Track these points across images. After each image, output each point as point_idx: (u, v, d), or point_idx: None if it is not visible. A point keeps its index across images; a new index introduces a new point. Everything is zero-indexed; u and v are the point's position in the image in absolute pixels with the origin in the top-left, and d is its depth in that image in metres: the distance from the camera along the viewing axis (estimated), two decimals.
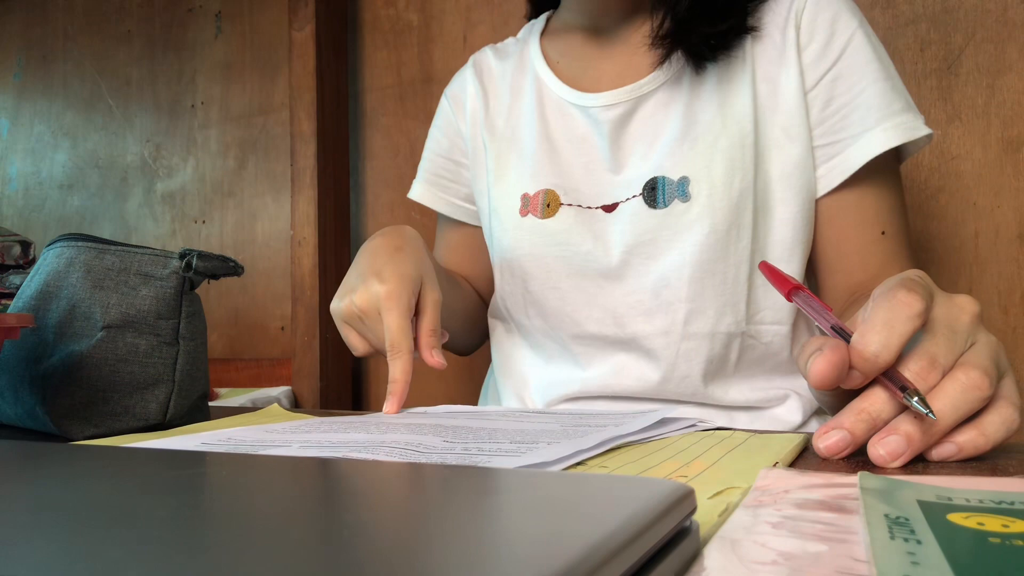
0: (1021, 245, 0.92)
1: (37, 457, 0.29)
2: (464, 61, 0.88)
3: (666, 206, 0.66)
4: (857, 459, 0.37)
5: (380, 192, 1.37)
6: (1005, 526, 0.22)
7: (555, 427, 0.44)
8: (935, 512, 0.23)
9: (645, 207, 0.67)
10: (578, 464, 0.35)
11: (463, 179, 0.85)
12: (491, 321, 0.82)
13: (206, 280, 0.56)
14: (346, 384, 1.34)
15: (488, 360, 0.85)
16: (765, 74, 0.67)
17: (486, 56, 0.84)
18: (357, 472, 0.26)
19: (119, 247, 0.55)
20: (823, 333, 0.41)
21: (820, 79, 0.65)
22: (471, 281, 0.87)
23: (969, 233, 0.94)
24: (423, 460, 0.33)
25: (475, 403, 0.90)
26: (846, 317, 0.53)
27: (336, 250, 1.32)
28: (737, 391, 0.68)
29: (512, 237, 0.73)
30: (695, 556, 0.21)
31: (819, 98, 0.66)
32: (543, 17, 0.83)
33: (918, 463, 0.36)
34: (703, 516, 0.25)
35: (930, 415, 0.33)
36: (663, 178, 0.67)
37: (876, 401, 0.36)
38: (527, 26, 0.85)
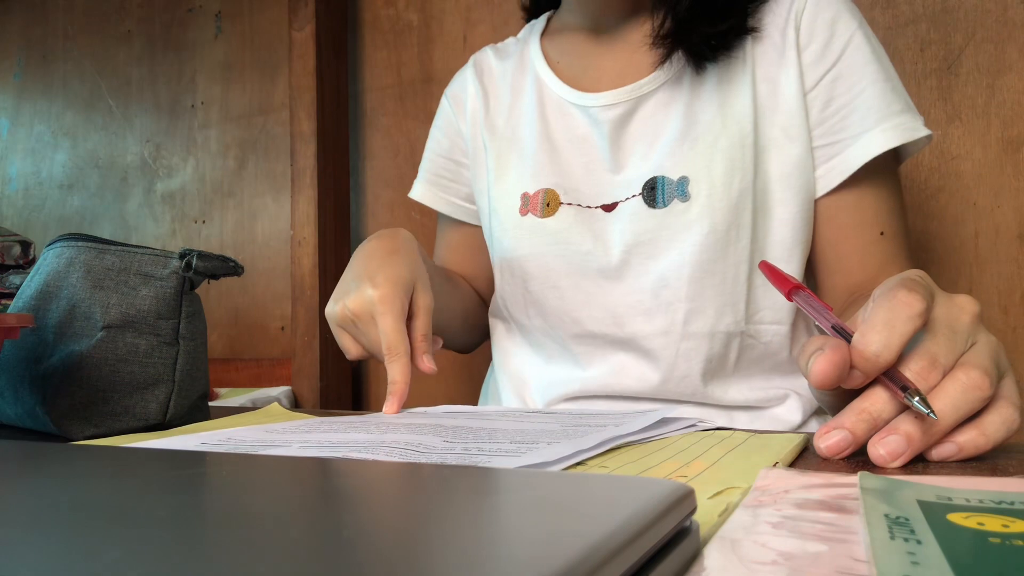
0: (1021, 245, 0.92)
1: (37, 457, 0.29)
2: (464, 61, 0.88)
3: (665, 206, 0.66)
4: (857, 459, 0.37)
5: (380, 192, 1.37)
6: (1005, 526, 0.22)
7: (555, 427, 0.44)
8: (935, 512, 0.23)
9: (645, 207, 0.67)
10: (578, 464, 0.35)
11: (463, 179, 0.85)
12: (491, 321, 0.82)
13: (206, 280, 0.56)
14: (346, 384, 1.34)
15: (488, 360, 0.85)
16: (765, 74, 0.67)
17: (486, 56, 0.84)
18: (357, 472, 0.26)
19: (119, 247, 0.55)
20: (823, 333, 0.41)
21: (820, 80, 0.65)
22: (471, 281, 0.87)
23: (969, 233, 0.94)
24: (423, 460, 0.33)
25: (475, 403, 0.90)
26: (845, 317, 0.53)
27: (336, 250, 1.32)
28: (737, 391, 0.68)
29: (512, 236, 0.73)
30: (695, 556, 0.21)
31: (819, 99, 0.66)
32: (544, 17, 0.84)
33: (918, 463, 0.36)
34: (703, 516, 0.25)
35: (931, 415, 0.33)
36: (663, 178, 0.67)
37: (877, 401, 0.36)
38: (528, 26, 0.85)
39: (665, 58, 0.68)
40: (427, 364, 0.58)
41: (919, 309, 0.35)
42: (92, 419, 0.51)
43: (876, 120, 0.63)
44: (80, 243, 0.55)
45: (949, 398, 0.35)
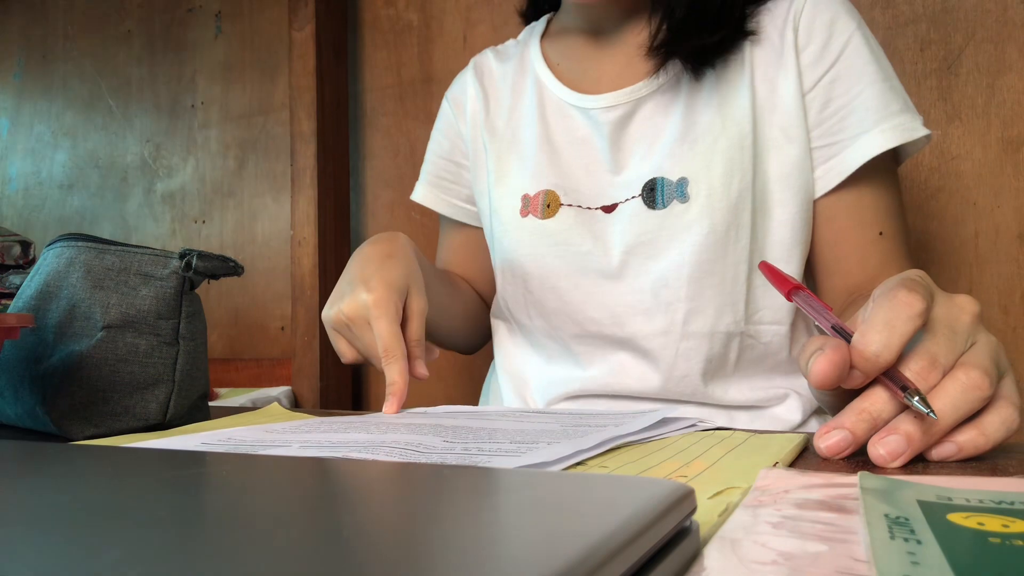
0: (1021, 245, 0.92)
1: (37, 457, 0.29)
2: (464, 61, 0.88)
3: (665, 207, 0.66)
4: (857, 459, 0.37)
5: (380, 192, 1.37)
6: (1005, 526, 0.22)
7: (555, 427, 0.44)
8: (935, 512, 0.23)
9: (644, 208, 0.67)
10: (578, 464, 0.35)
11: (464, 180, 0.85)
12: (494, 321, 0.82)
13: (206, 280, 0.56)
14: (346, 384, 1.34)
15: (488, 360, 0.85)
16: (763, 76, 0.67)
17: (486, 58, 0.84)
18: (357, 472, 0.26)
19: (119, 247, 0.55)
20: (823, 333, 0.41)
21: (818, 81, 0.66)
22: (473, 282, 0.88)
23: (969, 233, 0.94)
24: (423, 460, 0.33)
25: (475, 403, 0.90)
26: (845, 317, 0.53)
27: (336, 250, 1.32)
28: (737, 390, 0.68)
29: (512, 238, 0.73)
30: (695, 556, 0.21)
31: (817, 99, 0.66)
32: (544, 19, 0.84)
33: (918, 463, 0.36)
34: (703, 516, 0.25)
35: (931, 415, 0.33)
36: (662, 179, 0.67)
37: (877, 401, 0.36)
38: (527, 28, 0.85)
39: (660, 67, 0.68)
40: (419, 370, 0.59)
41: (919, 309, 0.35)
42: (92, 419, 0.51)
43: (875, 121, 0.63)
44: (80, 243, 0.55)
45: (949, 398, 0.35)
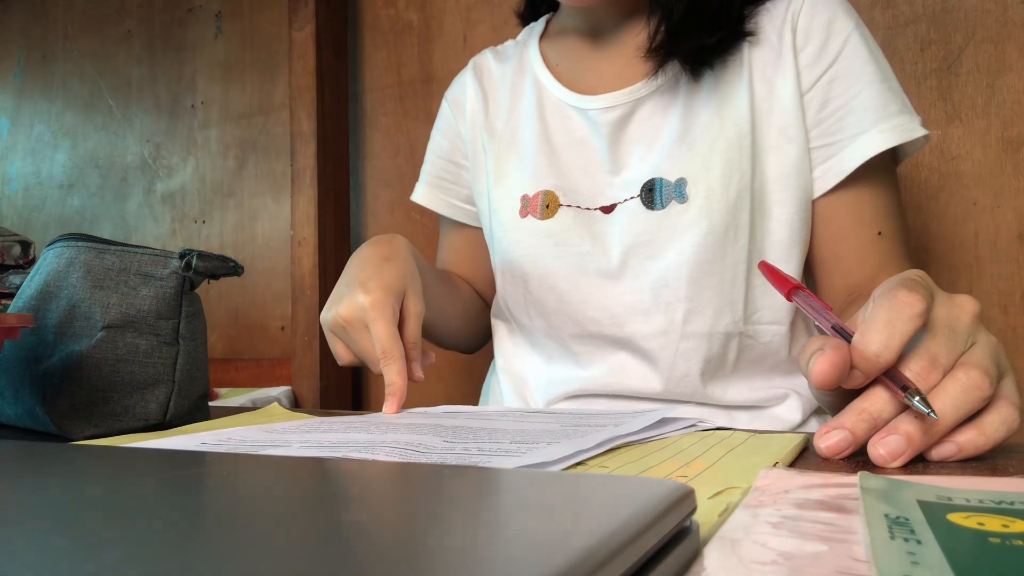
0: (1021, 245, 0.92)
1: (37, 457, 0.29)
2: (464, 61, 0.88)
3: (664, 207, 0.66)
4: (857, 459, 0.37)
5: (380, 192, 1.37)
6: (1005, 526, 0.22)
7: (555, 427, 0.44)
8: (935, 512, 0.23)
9: (643, 208, 0.67)
10: (578, 464, 0.35)
11: (463, 181, 0.85)
12: (494, 321, 0.82)
13: (206, 280, 0.56)
14: (346, 384, 1.34)
15: (488, 360, 0.85)
16: (762, 76, 0.67)
17: (486, 59, 0.84)
18: (357, 472, 0.26)
19: (119, 247, 0.55)
20: (823, 333, 0.41)
21: (816, 81, 0.66)
22: (473, 282, 0.88)
23: (969, 233, 0.94)
24: (423, 460, 0.33)
25: (475, 403, 0.90)
26: (845, 317, 0.53)
27: (336, 250, 1.32)
28: (736, 391, 0.68)
29: (512, 238, 0.73)
30: (695, 556, 0.21)
31: (815, 100, 0.66)
32: (543, 20, 0.84)
33: (918, 463, 0.36)
34: (703, 516, 0.25)
35: (931, 415, 0.33)
36: (660, 179, 0.67)
37: (877, 401, 0.36)
38: (527, 29, 0.85)
39: (658, 68, 0.68)
40: (416, 372, 0.59)
41: (919, 309, 0.35)
42: (92, 419, 0.51)
43: (873, 121, 0.63)
44: (80, 243, 0.55)
45: (949, 398, 0.35)
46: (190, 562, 0.15)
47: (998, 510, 0.24)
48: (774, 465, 0.34)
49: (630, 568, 0.17)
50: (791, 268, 0.67)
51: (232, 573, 0.14)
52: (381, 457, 0.34)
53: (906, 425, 0.35)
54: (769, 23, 0.67)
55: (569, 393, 0.71)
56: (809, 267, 0.70)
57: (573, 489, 0.22)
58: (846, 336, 0.37)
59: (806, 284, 0.71)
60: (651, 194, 0.67)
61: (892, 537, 0.21)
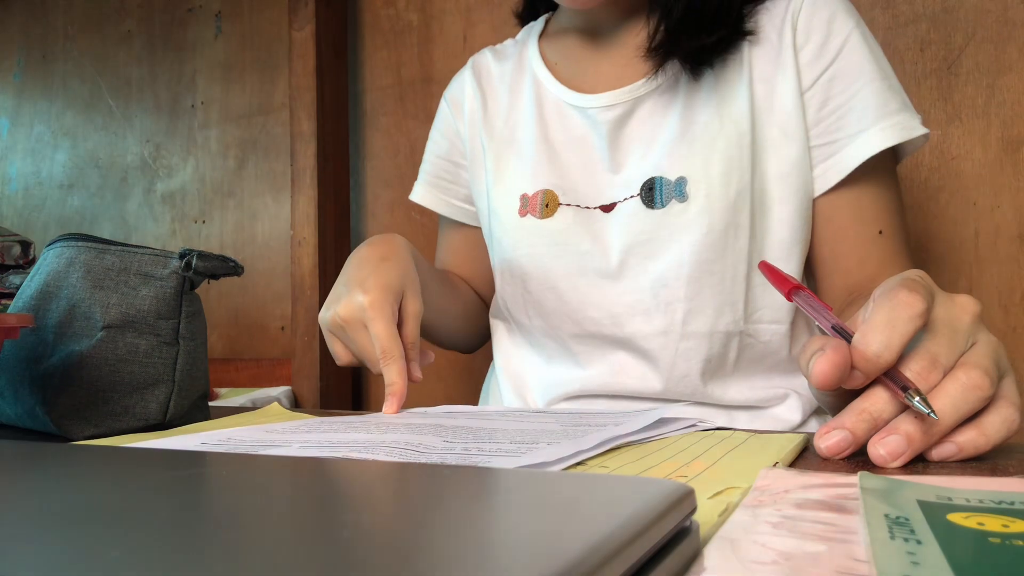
0: (1021, 245, 0.92)
1: (37, 457, 0.29)
2: (464, 61, 0.88)
3: (663, 206, 0.66)
4: (857, 459, 0.37)
5: (380, 192, 1.37)
6: (1005, 526, 0.22)
7: (555, 427, 0.44)
8: (935, 512, 0.23)
9: (643, 207, 0.67)
10: (578, 464, 0.35)
11: (462, 180, 0.85)
12: (493, 321, 0.82)
13: (206, 280, 0.56)
14: (346, 384, 1.34)
15: (488, 360, 0.85)
16: (762, 75, 0.67)
17: (485, 58, 0.84)
18: (357, 472, 0.26)
19: (119, 247, 0.55)
20: (823, 332, 0.41)
21: (817, 79, 0.66)
22: (472, 282, 0.88)
23: (969, 233, 0.94)
24: (423, 460, 0.33)
25: (475, 403, 0.90)
26: (845, 317, 0.53)
27: (336, 250, 1.32)
28: (736, 390, 0.68)
29: (511, 237, 0.73)
30: (695, 556, 0.21)
31: (816, 98, 0.66)
32: (542, 19, 0.84)
33: (918, 463, 0.36)
34: (703, 516, 0.25)
35: (931, 415, 0.33)
36: (660, 178, 0.67)
37: (877, 401, 0.36)
38: (526, 28, 0.85)
39: (658, 68, 0.68)
40: (415, 372, 0.59)
41: (920, 309, 0.35)
42: (92, 419, 0.51)
43: (873, 119, 0.63)
44: (80, 243, 0.55)
45: (949, 398, 0.35)
46: (190, 562, 0.15)
47: (998, 510, 0.24)
48: (774, 465, 0.34)
49: (630, 568, 0.17)
50: (791, 267, 0.66)
51: (232, 573, 0.14)
52: (381, 457, 0.34)
53: (906, 425, 0.35)
54: (769, 22, 0.67)
55: (569, 394, 0.71)
56: (809, 266, 0.70)
57: (573, 489, 0.22)
58: (846, 336, 0.37)
59: (806, 283, 0.71)
60: (651, 193, 0.67)
61: (892, 537, 0.21)
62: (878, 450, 0.35)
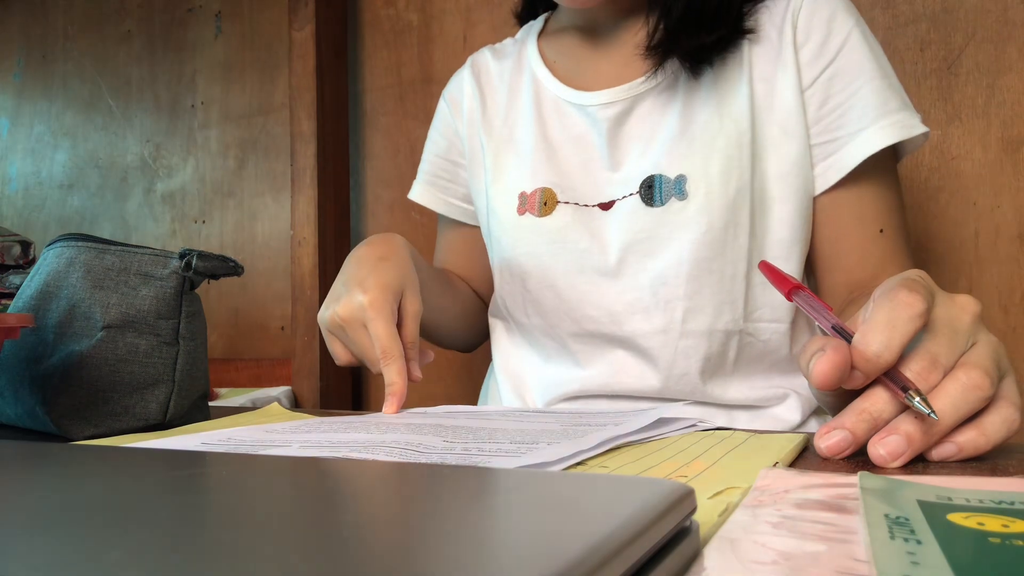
0: (1021, 245, 0.92)
1: (37, 457, 0.29)
2: (464, 61, 0.88)
3: (663, 204, 0.66)
4: (857, 459, 0.37)
5: (380, 192, 1.37)
6: (1005, 526, 0.22)
7: (555, 427, 0.44)
8: (935, 512, 0.23)
9: (642, 205, 0.67)
10: (578, 464, 0.35)
11: (461, 179, 0.85)
12: (491, 320, 0.82)
13: (206, 280, 0.56)
14: (346, 384, 1.34)
15: (488, 360, 0.85)
16: (762, 73, 0.67)
17: (484, 57, 0.84)
18: (357, 472, 0.26)
19: (119, 247, 0.55)
20: (823, 332, 0.41)
21: (817, 77, 0.66)
22: (471, 281, 0.87)
23: (969, 233, 0.94)
24: (423, 460, 0.33)
25: (475, 403, 0.90)
26: (845, 317, 0.53)
27: (336, 250, 1.32)
28: (736, 390, 0.68)
29: (510, 236, 0.73)
30: (695, 556, 0.21)
31: (816, 96, 0.66)
32: (541, 18, 0.84)
33: (918, 463, 0.36)
34: (703, 516, 0.25)
35: (931, 415, 0.33)
36: (660, 176, 0.67)
37: (877, 401, 0.36)
38: (525, 27, 0.85)
39: (657, 66, 0.68)
40: (414, 372, 0.59)
41: (920, 309, 0.35)
42: (92, 419, 0.51)
43: (873, 117, 0.63)
44: (80, 243, 0.55)
45: (949, 398, 0.35)
46: (190, 562, 0.15)
47: (998, 510, 0.24)
48: (774, 465, 0.34)
49: (630, 568, 0.17)
50: (792, 266, 0.66)
51: (232, 573, 0.14)
52: (381, 457, 0.34)
53: (906, 425, 0.35)
54: (769, 21, 0.67)
55: (568, 394, 0.71)
56: (810, 265, 0.70)
57: (573, 489, 0.22)
58: (846, 336, 0.37)
59: (806, 282, 0.71)
60: (651, 191, 0.67)
61: (892, 537, 0.21)
62: (878, 450, 0.35)
